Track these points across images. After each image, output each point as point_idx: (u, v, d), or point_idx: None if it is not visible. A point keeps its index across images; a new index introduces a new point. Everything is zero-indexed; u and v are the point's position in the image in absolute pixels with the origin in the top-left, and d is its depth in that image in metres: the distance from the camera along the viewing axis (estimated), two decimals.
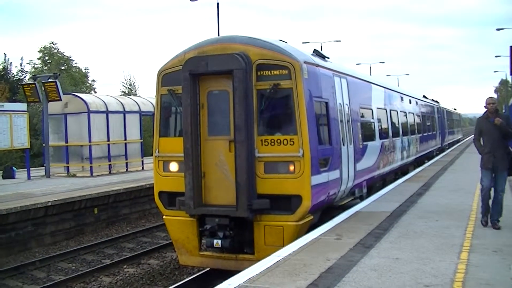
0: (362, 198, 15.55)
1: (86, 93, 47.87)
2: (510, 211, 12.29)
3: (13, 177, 26.08)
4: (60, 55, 63.27)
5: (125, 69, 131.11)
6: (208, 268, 13.04)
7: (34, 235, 17.15)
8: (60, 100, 25.68)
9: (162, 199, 12.56)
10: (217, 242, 11.45)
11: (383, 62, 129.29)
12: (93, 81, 67.60)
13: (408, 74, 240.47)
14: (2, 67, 58.00)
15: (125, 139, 28.17)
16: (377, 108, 18.50)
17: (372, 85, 18.84)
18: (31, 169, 26.87)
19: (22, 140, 24.53)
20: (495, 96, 79.20)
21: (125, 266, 15.14)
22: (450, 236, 10.49)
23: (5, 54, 57.04)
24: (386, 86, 22.08)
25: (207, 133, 11.80)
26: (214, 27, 36.91)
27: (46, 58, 62.48)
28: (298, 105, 11.17)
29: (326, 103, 12.68)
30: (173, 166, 12.29)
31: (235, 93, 11.15)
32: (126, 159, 28.58)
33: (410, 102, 26.66)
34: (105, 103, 27.32)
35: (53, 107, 26.42)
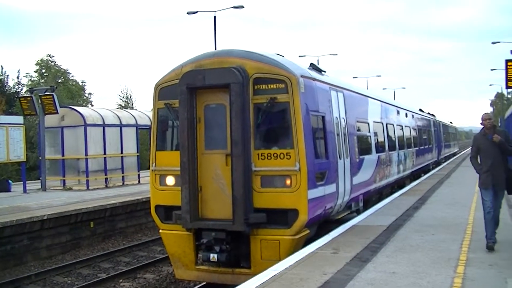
0: (358, 212, 15.55)
1: (82, 106, 47.97)
2: (506, 224, 12.32)
3: (9, 190, 26.01)
4: (57, 68, 63.31)
5: (121, 82, 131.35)
6: (205, 282, 13.00)
7: (30, 249, 17.09)
8: (57, 113, 25.68)
9: (158, 213, 12.54)
10: (213, 256, 11.43)
11: (380, 76, 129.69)
12: (90, 94, 67.58)
13: (404, 88, 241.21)
14: None
15: (122, 153, 28.14)
16: (374, 121, 18.54)
17: (368, 98, 18.89)
18: (27, 182, 26.78)
19: (18, 153, 24.48)
20: (490, 110, 79.52)
21: (121, 280, 15.08)
22: (446, 249, 10.50)
23: (1, 66, 56.79)
24: (383, 99, 22.14)
25: (203, 147, 11.81)
26: (211, 40, 37.04)
27: (43, 71, 62.51)
28: (295, 119, 11.19)
29: (323, 117, 12.72)
30: (170, 180, 12.29)
31: (232, 107, 11.18)
32: (123, 172, 28.54)
33: (406, 115, 26.73)
34: (101, 116, 27.32)
35: (50, 120, 26.42)
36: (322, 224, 12.92)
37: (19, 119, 26.15)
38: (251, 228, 11.28)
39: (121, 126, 28.22)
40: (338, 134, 13.61)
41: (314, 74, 13.11)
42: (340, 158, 13.50)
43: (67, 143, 26.49)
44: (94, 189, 25.88)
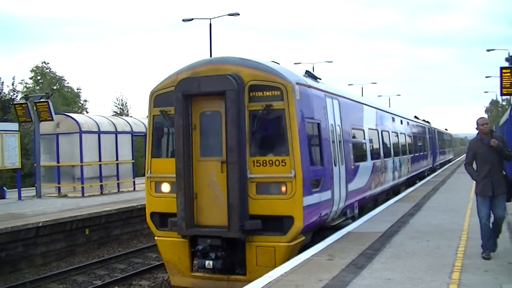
0: (354, 219, 15.57)
1: (78, 113, 47.91)
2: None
3: (3, 197, 25.94)
4: (52, 75, 63.32)
5: (117, 89, 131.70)
6: None
7: (25, 256, 17.02)
8: (52, 120, 25.64)
9: (154, 220, 12.54)
10: (208, 263, 11.43)
11: (375, 83, 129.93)
12: (85, 101, 67.72)
13: (399, 95, 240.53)
14: None
15: (117, 160, 28.10)
16: (369, 128, 18.59)
17: (363, 106, 18.95)
18: (22, 189, 26.66)
19: (13, 160, 24.43)
20: (485, 116, 79.59)
21: (116, 287, 15.04)
22: (441, 256, 10.52)
23: None
24: (378, 106, 22.20)
25: (199, 154, 11.82)
26: (207, 47, 37.09)
27: (38, 77, 62.50)
28: (290, 126, 11.22)
29: (318, 124, 12.75)
30: (165, 187, 12.29)
31: (228, 114, 11.20)
32: (118, 179, 28.49)
33: (401, 122, 26.80)
34: (97, 123, 27.29)
35: (45, 127, 26.38)
36: (318, 231, 12.94)
37: (14, 126, 26.09)
38: (246, 235, 11.29)
39: (116, 133, 28.18)
40: (333, 141, 13.64)
41: (309, 81, 13.15)
42: (335, 165, 13.53)
43: (62, 150, 26.43)
44: (89, 196, 25.82)
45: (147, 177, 12.60)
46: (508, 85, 21.82)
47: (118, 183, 28.49)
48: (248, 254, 11.47)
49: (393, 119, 24.62)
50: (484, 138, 10.41)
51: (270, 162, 11.34)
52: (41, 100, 26.03)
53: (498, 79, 22.22)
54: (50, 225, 17.68)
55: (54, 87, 60.38)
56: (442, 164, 51.02)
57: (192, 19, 37.10)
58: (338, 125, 14.33)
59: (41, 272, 16.63)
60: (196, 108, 11.81)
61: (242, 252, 11.54)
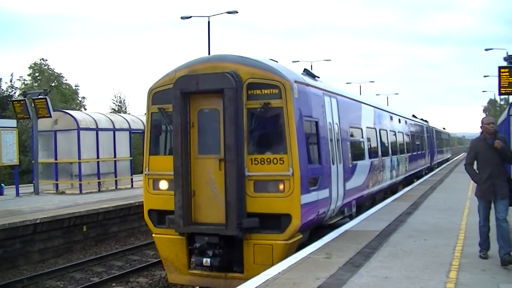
0: (351, 217, 15.58)
1: (76, 110, 47.86)
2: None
3: (1, 194, 25.95)
4: (50, 72, 63.25)
5: (115, 86, 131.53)
6: (197, 287, 13.00)
7: (23, 253, 17.01)
8: (50, 116, 25.63)
9: (151, 217, 12.54)
10: (206, 261, 11.42)
11: (373, 81, 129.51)
12: (83, 98, 67.60)
13: (397, 94, 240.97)
14: None
15: (115, 157, 28.10)
16: (367, 127, 18.59)
17: (361, 104, 18.95)
18: (19, 186, 26.70)
19: (11, 156, 24.40)
20: (483, 116, 79.62)
21: (114, 284, 15.04)
22: (439, 255, 10.53)
23: None
24: (376, 105, 22.20)
25: (197, 152, 11.82)
26: (205, 45, 37.07)
27: (36, 74, 62.44)
28: (288, 124, 11.22)
29: (316, 122, 12.74)
30: (163, 184, 12.29)
31: (226, 112, 11.20)
32: (116, 176, 28.49)
33: (399, 121, 26.80)
34: (95, 120, 27.29)
35: (43, 123, 26.37)
36: (315, 229, 12.95)
37: (12, 122, 26.05)
38: (244, 233, 11.29)
39: (114, 130, 28.18)
40: (331, 140, 13.64)
41: (307, 79, 13.15)
42: (333, 164, 13.53)
43: (60, 147, 26.44)
44: (87, 193, 25.82)
45: (145, 174, 12.60)
46: (507, 85, 21.85)
47: (116, 180, 28.52)
48: (246, 252, 11.47)
49: (391, 118, 24.63)
50: (488, 138, 9.90)
51: (268, 160, 11.34)
52: (39, 97, 25.99)
53: (497, 79, 22.26)
54: (48, 222, 17.69)
55: (52, 84, 60.28)
56: (439, 163, 51.09)
57: (191, 16, 37.09)
58: (336, 124, 14.33)
59: (38, 268, 16.63)
60: (194, 106, 11.80)
61: (240, 250, 11.54)
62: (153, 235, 12.69)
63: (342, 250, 11.00)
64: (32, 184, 26.68)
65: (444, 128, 68.80)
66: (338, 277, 8.94)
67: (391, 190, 24.10)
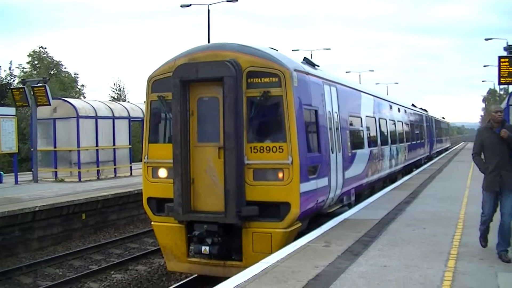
0: (350, 206, 15.59)
1: (75, 98, 47.80)
2: (497, 219, 12.35)
3: (0, 182, 25.92)
4: (49, 60, 63.17)
5: (114, 74, 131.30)
6: (196, 275, 13.03)
7: (21, 240, 17.04)
8: (49, 104, 25.62)
9: (150, 205, 12.54)
10: (205, 249, 11.43)
11: (373, 71, 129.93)
12: (83, 86, 67.51)
13: (397, 83, 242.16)
14: None
15: (114, 145, 28.11)
16: (366, 116, 18.58)
17: (361, 93, 18.92)
18: (18, 173, 26.70)
19: (10, 144, 24.38)
20: (482, 106, 79.72)
21: (112, 272, 15.08)
22: (437, 243, 10.55)
23: None
24: (375, 94, 22.17)
25: (196, 140, 11.80)
26: (205, 34, 36.99)
27: (36, 62, 62.34)
28: (288, 112, 11.20)
29: (316, 111, 12.73)
30: (162, 172, 12.29)
31: (225, 100, 11.18)
32: (115, 164, 28.52)
33: (399, 110, 26.78)
34: (94, 108, 27.27)
35: (42, 111, 26.35)
36: (314, 218, 12.96)
37: (11, 110, 25.99)
38: (243, 221, 11.30)
39: (113, 118, 28.18)
40: (330, 128, 13.63)
41: (307, 68, 13.11)
42: (332, 152, 13.53)
43: (59, 134, 26.44)
44: (86, 181, 25.85)
45: (144, 162, 12.59)
46: (506, 74, 21.86)
47: (115, 168, 28.55)
48: (245, 240, 11.48)
49: (391, 107, 24.60)
50: (495, 127, 9.49)
51: (268, 148, 11.33)
52: (38, 85, 25.99)
53: (496, 68, 22.26)
54: (47, 209, 17.71)
55: (51, 72, 60.24)
56: (439, 153, 51.10)
57: (190, 5, 36.96)
58: (336, 112, 14.32)
59: (37, 256, 16.67)
60: (194, 94, 11.77)
61: (239, 238, 11.55)
62: (152, 223, 12.70)
63: (341, 239, 11.02)
64: (31, 172, 26.68)
65: (443, 118, 68.82)
66: (337, 265, 8.96)
67: (390, 179, 24.13)
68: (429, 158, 40.72)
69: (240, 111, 11.25)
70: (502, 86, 64.85)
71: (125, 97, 63.81)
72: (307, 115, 12.20)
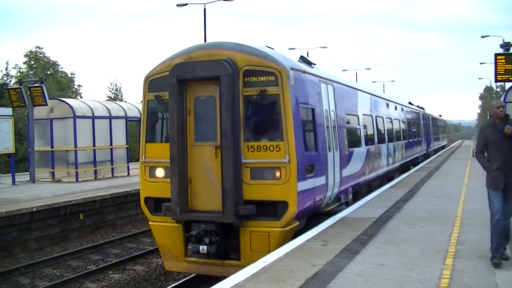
0: (348, 204, 15.58)
1: (72, 98, 47.72)
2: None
3: None
4: (46, 60, 63.03)
5: (111, 74, 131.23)
6: (194, 274, 13.03)
7: (19, 241, 17.03)
8: (46, 105, 25.57)
9: (148, 205, 12.52)
10: (203, 248, 11.42)
11: (369, 69, 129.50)
12: (79, 86, 67.47)
13: (394, 81, 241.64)
14: None
15: (111, 145, 28.08)
16: (363, 114, 18.58)
17: (358, 91, 18.93)
18: (16, 174, 26.59)
19: (7, 145, 24.33)
20: (479, 103, 79.72)
21: (110, 272, 15.07)
22: (435, 242, 10.55)
23: None
24: (372, 92, 22.19)
25: (193, 139, 11.79)
26: (201, 33, 36.96)
27: (32, 62, 62.19)
28: (285, 111, 11.19)
29: (313, 109, 12.72)
30: (159, 172, 12.27)
31: (222, 99, 11.16)
32: (112, 164, 28.49)
33: (395, 108, 26.80)
34: (91, 108, 27.24)
35: (39, 112, 26.29)
36: (312, 216, 12.95)
37: (8, 110, 25.93)
38: (240, 220, 11.29)
39: (110, 118, 28.14)
40: (327, 127, 13.63)
41: (304, 66, 13.11)
42: (329, 151, 13.52)
43: (56, 135, 26.40)
44: (84, 181, 25.82)
45: (141, 162, 12.57)
46: (503, 72, 21.86)
47: (112, 168, 28.52)
48: (242, 239, 11.48)
49: (387, 105, 24.62)
50: (498, 123, 8.99)
51: (265, 147, 11.32)
52: (35, 85, 25.93)
53: (493, 66, 22.26)
54: (44, 210, 17.69)
55: (48, 72, 60.14)
56: (436, 151, 51.14)
57: (186, 4, 36.90)
58: (333, 111, 14.32)
59: (35, 257, 16.65)
60: (191, 93, 11.76)
61: (236, 237, 11.55)
62: (150, 222, 12.68)
63: (339, 237, 11.01)
64: (28, 173, 26.66)
65: (440, 115, 68.89)
66: (334, 264, 8.96)
67: (388, 177, 24.13)
68: (426, 156, 40.76)
69: (237, 110, 11.24)
70: (498, 84, 64.83)
71: (122, 96, 63.79)
72: (304, 113, 12.19)
